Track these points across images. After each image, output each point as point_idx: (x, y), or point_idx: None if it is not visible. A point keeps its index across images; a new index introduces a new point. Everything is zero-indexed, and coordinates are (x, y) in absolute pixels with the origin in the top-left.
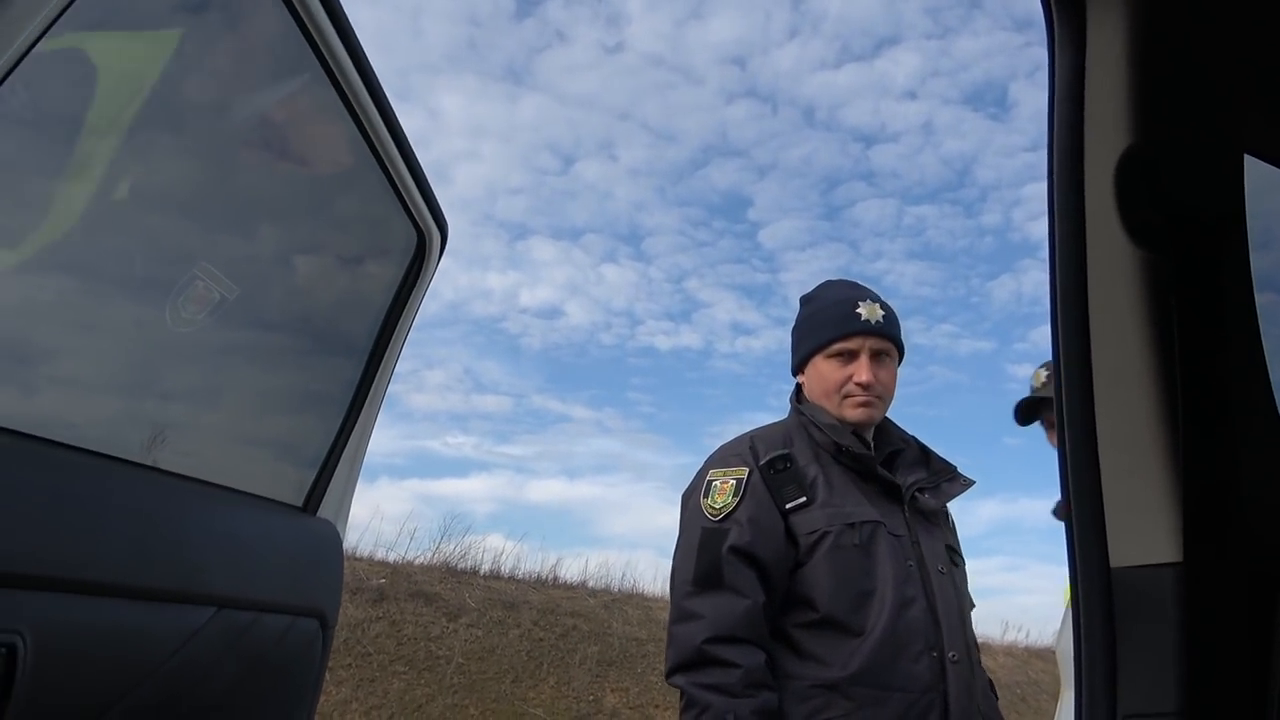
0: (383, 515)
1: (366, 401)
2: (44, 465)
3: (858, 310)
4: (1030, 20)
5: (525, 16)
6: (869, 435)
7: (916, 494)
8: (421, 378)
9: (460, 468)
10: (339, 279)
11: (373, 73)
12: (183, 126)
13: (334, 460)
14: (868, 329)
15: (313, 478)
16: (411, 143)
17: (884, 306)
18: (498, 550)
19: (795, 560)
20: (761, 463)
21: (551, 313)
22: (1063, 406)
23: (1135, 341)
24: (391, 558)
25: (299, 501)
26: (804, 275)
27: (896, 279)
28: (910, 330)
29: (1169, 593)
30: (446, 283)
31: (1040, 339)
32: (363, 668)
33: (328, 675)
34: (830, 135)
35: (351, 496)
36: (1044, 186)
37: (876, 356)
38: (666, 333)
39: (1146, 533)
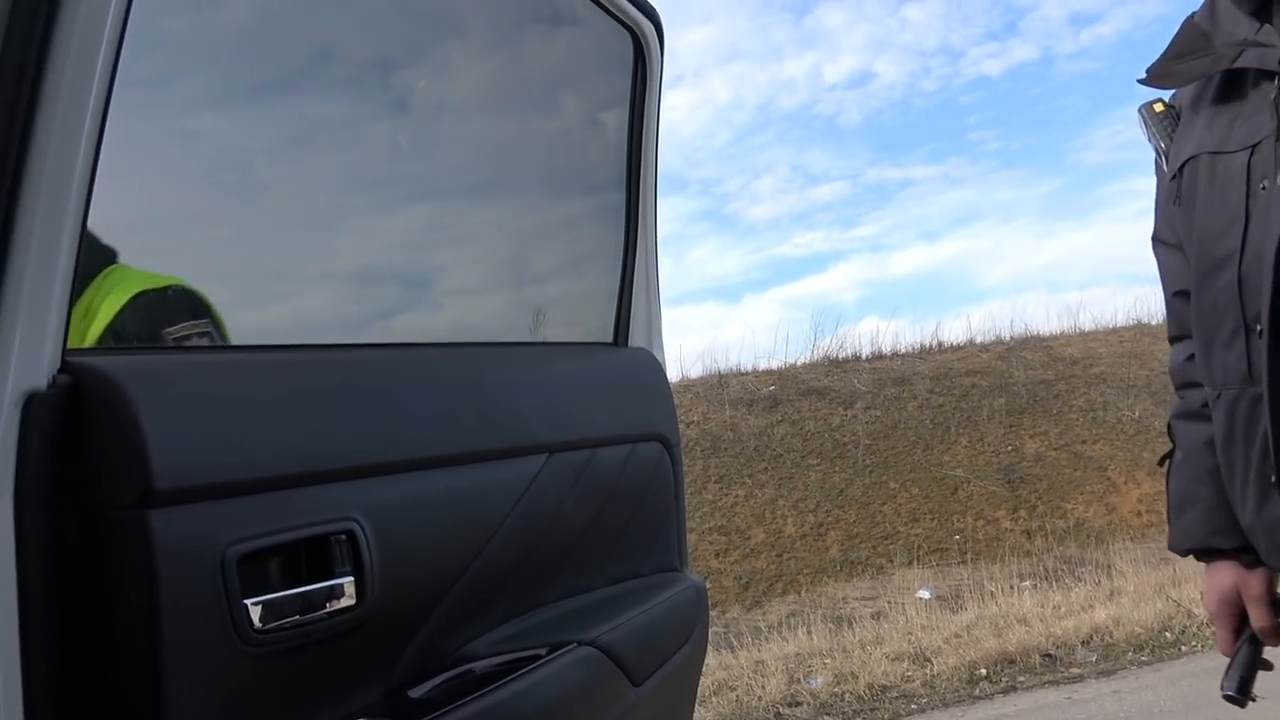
0: (754, 329)
1: (640, 220)
2: (330, 366)
3: None
4: None
5: None
6: None
7: None
8: (752, 190)
9: (816, 264)
10: (567, 108)
11: None
12: None
13: (628, 287)
14: None
15: (614, 311)
16: None
17: None
18: (874, 332)
19: None
20: None
21: (861, 79)
22: None
23: None
24: (774, 365)
25: (608, 337)
26: None
27: None
28: None
29: None
30: (747, 86)
31: None
32: (778, 468)
33: (749, 479)
34: None
35: (659, 319)
36: None
37: None
38: (994, 55)
39: None
